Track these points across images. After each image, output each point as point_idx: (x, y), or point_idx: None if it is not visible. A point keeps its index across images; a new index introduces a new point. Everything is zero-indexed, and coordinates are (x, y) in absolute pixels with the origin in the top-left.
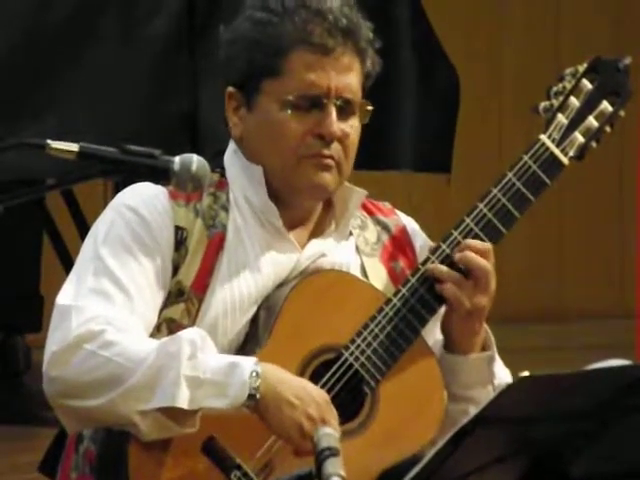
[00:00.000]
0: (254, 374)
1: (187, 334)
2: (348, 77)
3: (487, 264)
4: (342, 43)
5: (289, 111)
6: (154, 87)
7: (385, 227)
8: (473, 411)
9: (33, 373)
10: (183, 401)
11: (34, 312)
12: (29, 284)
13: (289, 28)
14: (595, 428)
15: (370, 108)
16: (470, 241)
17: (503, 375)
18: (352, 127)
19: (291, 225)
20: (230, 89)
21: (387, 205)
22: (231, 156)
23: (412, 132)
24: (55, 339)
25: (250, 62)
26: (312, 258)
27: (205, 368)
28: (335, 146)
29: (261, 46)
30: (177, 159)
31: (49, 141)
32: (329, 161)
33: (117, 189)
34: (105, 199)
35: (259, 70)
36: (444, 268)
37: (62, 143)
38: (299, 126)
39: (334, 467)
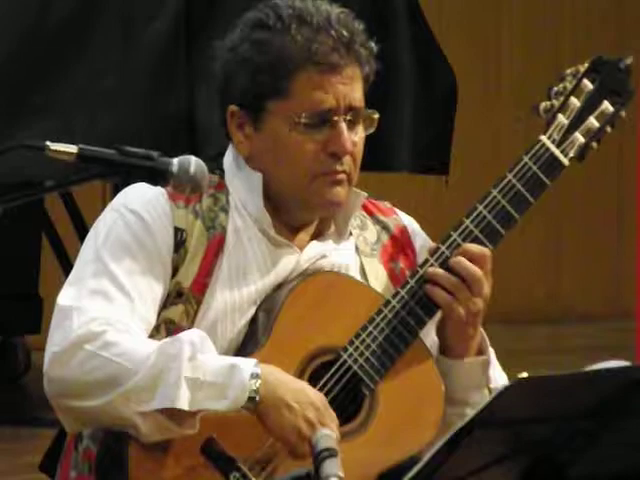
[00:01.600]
0: (254, 376)
1: (187, 335)
2: (354, 88)
3: (478, 270)
4: (345, 55)
5: (301, 130)
6: (152, 88)
7: (385, 227)
8: (468, 413)
9: (33, 374)
10: (183, 402)
11: (33, 313)
12: (28, 286)
13: (293, 48)
14: (593, 429)
15: (376, 117)
16: (467, 246)
17: (500, 379)
18: (359, 137)
19: (291, 228)
20: (232, 108)
21: (387, 204)
22: (231, 162)
23: (410, 133)
24: (56, 339)
25: (254, 84)
26: (312, 260)
27: (205, 370)
28: (347, 160)
29: (265, 69)
30: (175, 161)
31: (48, 143)
32: (342, 176)
33: (116, 191)
34: (104, 201)
35: (265, 92)
36: (441, 272)
37: (61, 145)
38: (312, 146)
39: (332, 468)
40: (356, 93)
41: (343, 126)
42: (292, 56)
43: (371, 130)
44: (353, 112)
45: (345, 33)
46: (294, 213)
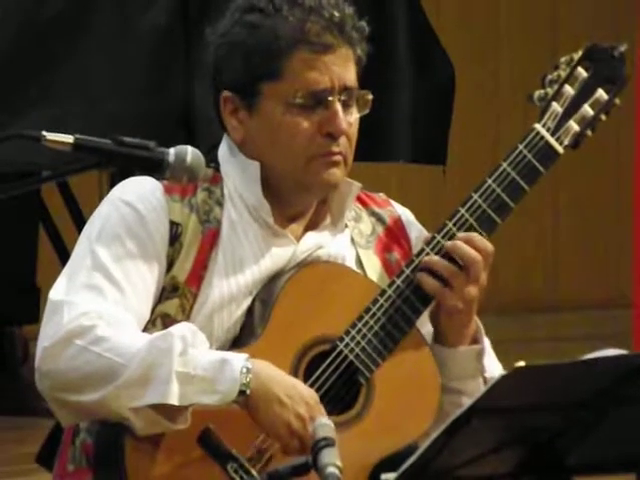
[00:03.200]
0: (245, 370)
1: (178, 330)
2: (347, 69)
3: (477, 255)
4: (338, 36)
5: (296, 112)
6: (149, 80)
7: (380, 218)
8: (464, 402)
9: (30, 364)
10: (174, 397)
11: (31, 304)
12: (26, 276)
13: (285, 29)
14: (591, 418)
15: (370, 97)
16: (470, 234)
17: (495, 369)
18: (354, 118)
19: (287, 219)
20: (226, 93)
21: (382, 196)
22: (226, 152)
23: (407, 124)
24: (47, 334)
25: (248, 67)
26: (308, 251)
27: (196, 364)
28: (342, 141)
29: (258, 51)
30: (172, 150)
31: (44, 132)
32: (338, 157)
33: (112, 181)
34: (100, 191)
35: (258, 74)
36: (436, 259)
37: (57, 135)
38: (307, 127)
39: (330, 457)
40: (350, 74)
41: (338, 106)
42: (285, 37)
43: (365, 111)
44: (347, 92)
45: (337, 14)
46: (291, 198)
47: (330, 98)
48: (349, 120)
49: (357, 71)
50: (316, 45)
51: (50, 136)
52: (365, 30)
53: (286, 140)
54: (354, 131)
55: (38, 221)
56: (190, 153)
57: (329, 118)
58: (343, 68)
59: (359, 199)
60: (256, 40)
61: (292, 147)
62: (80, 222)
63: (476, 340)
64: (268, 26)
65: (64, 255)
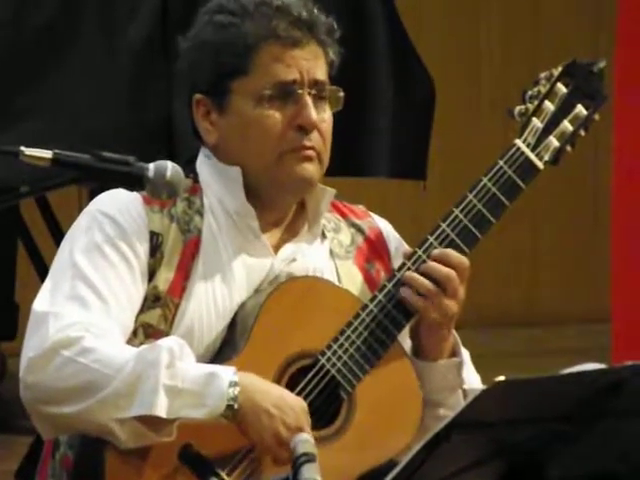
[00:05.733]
0: (232, 384)
1: (165, 342)
2: (317, 65)
3: (451, 272)
4: (307, 34)
5: (266, 105)
6: (131, 92)
7: (359, 229)
8: (443, 414)
9: (8, 381)
10: (161, 410)
11: (9, 320)
12: (3, 292)
13: (253, 25)
14: (571, 431)
15: (341, 94)
16: (445, 251)
17: (474, 380)
18: (327, 114)
19: (265, 227)
20: (198, 96)
21: (361, 207)
22: (203, 161)
23: (387, 138)
24: (32, 345)
25: (217, 65)
26: (286, 261)
27: (184, 377)
28: (315, 136)
29: (227, 47)
30: (151, 166)
31: (22, 148)
32: (311, 152)
33: (92, 196)
34: (80, 206)
35: (227, 72)
36: (416, 277)
37: (36, 150)
38: (278, 121)
39: (310, 473)
40: (319, 69)
41: (307, 99)
42: (252, 33)
43: (338, 107)
44: (318, 87)
45: (304, 13)
46: (269, 201)
47: (300, 91)
48: (321, 116)
49: (329, 72)
50: (284, 39)
51: (28, 151)
52: (335, 32)
53: (258, 136)
54: (328, 128)
55: (17, 237)
56: (170, 169)
57: (299, 111)
58: (312, 63)
59: (338, 210)
60: (224, 38)
61: (264, 143)
62: (59, 238)
63: (454, 353)
64: (236, 24)
65: (43, 271)
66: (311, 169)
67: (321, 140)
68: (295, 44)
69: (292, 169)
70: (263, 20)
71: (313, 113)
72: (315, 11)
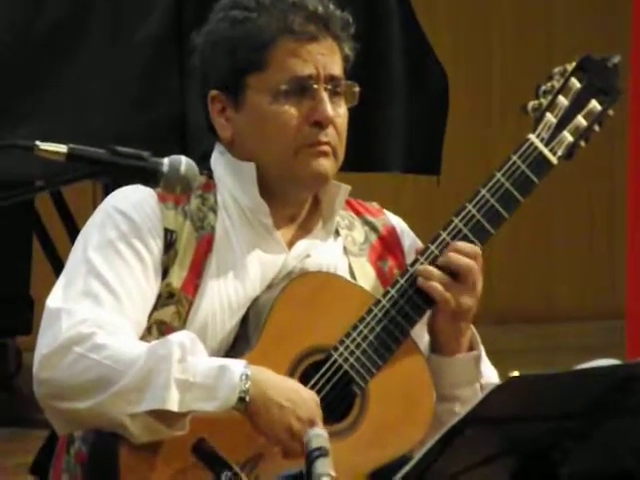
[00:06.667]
0: (244, 377)
1: (177, 337)
2: (333, 60)
3: (473, 263)
4: (323, 29)
5: (282, 100)
6: (143, 89)
7: (373, 227)
8: (459, 410)
9: (24, 375)
10: (173, 404)
11: (24, 314)
12: (19, 286)
13: (269, 21)
14: (584, 428)
15: (357, 89)
16: (458, 243)
17: (490, 374)
18: (343, 110)
19: (279, 224)
20: (213, 92)
21: (375, 205)
22: (218, 157)
23: (401, 133)
24: (45, 342)
25: (233, 61)
26: (299, 258)
27: (195, 371)
28: (330, 131)
29: (242, 43)
30: (166, 161)
31: (38, 142)
32: (326, 147)
33: (106, 191)
34: (94, 201)
35: (243, 67)
36: (432, 269)
37: (51, 144)
38: (294, 116)
39: (324, 467)
40: (335, 64)
41: (324, 94)
42: (268, 27)
43: (353, 103)
44: (333, 82)
45: (320, 8)
46: (284, 196)
47: (315, 86)
48: (337, 111)
49: (344, 67)
50: (300, 34)
51: (43, 146)
52: (351, 27)
53: (274, 131)
54: (343, 123)
55: (32, 232)
56: (184, 163)
57: (315, 106)
58: (328, 58)
59: (352, 208)
60: (240, 34)
61: (280, 138)
62: (74, 233)
63: (472, 347)
64: (251, 19)
65: (58, 266)
66: (327, 164)
67: (337, 135)
68: (311, 39)
69: (308, 164)
70: (279, 15)
71: (329, 108)
72: (331, 6)
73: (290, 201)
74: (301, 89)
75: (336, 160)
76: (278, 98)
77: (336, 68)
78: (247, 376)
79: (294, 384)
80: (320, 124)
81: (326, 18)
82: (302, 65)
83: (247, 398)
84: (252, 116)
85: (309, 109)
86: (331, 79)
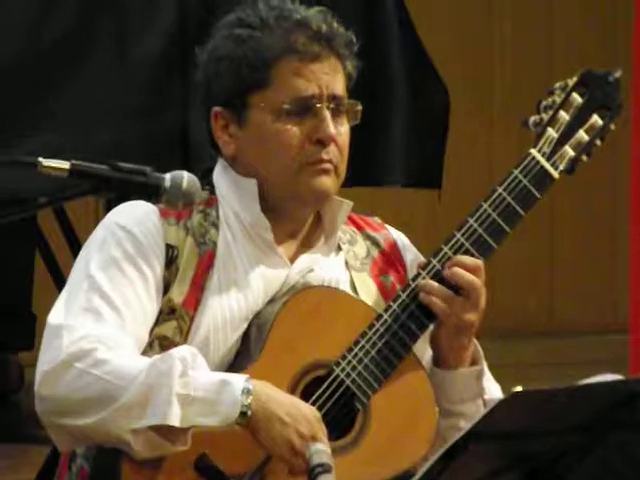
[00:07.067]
0: (245, 391)
1: (178, 352)
2: (336, 79)
3: (476, 280)
4: (326, 47)
5: (285, 119)
6: (146, 105)
7: (375, 242)
8: (463, 425)
9: (26, 391)
10: (175, 419)
11: (26, 330)
12: (21, 302)
13: (273, 40)
14: (588, 443)
15: (360, 108)
16: (460, 257)
17: (494, 389)
18: (345, 129)
19: (281, 239)
20: (216, 109)
21: (377, 220)
22: (220, 173)
23: (402, 148)
24: (46, 358)
25: (236, 78)
26: (301, 273)
27: (196, 386)
28: (332, 149)
29: (246, 61)
30: (168, 176)
31: (40, 159)
32: (328, 165)
33: (108, 206)
34: (97, 216)
35: (247, 85)
36: (434, 284)
37: (53, 161)
38: (297, 135)
39: None
40: (338, 83)
41: (326, 113)
42: (272, 46)
43: (356, 122)
44: (336, 101)
45: (324, 27)
46: (286, 212)
47: (318, 105)
48: (339, 130)
49: (347, 85)
50: (303, 54)
51: (46, 162)
52: (354, 46)
53: (276, 149)
54: (345, 141)
55: (34, 247)
56: (186, 178)
57: (318, 125)
58: (331, 77)
59: (354, 223)
60: (244, 52)
61: (282, 156)
62: (76, 248)
63: (475, 362)
64: (256, 38)
65: (60, 282)
66: (328, 182)
67: (338, 153)
68: (314, 58)
69: (309, 182)
70: (283, 34)
71: (331, 127)
72: (335, 24)
73: (291, 217)
74: (304, 108)
75: (338, 177)
76: (281, 117)
77: (339, 87)
78: (249, 390)
79: (296, 400)
80: (322, 142)
81: (330, 37)
82: (305, 85)
83: (249, 413)
84: (255, 134)
85: (311, 127)
86: (334, 98)
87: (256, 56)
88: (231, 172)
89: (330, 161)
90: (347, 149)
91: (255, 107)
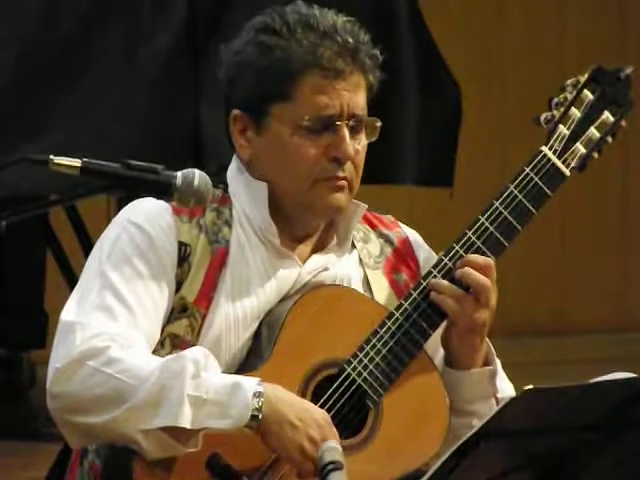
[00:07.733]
0: (257, 394)
1: (191, 353)
2: (358, 96)
3: (487, 280)
4: (351, 63)
5: (303, 134)
6: (157, 103)
7: (388, 240)
8: (476, 424)
9: (38, 389)
10: (186, 420)
11: (38, 328)
12: (33, 300)
13: (298, 52)
14: (600, 441)
15: (379, 124)
16: (471, 256)
17: (507, 389)
18: (362, 145)
19: (294, 240)
20: (236, 112)
21: (390, 218)
22: (234, 173)
23: (414, 146)
24: (59, 355)
25: (259, 87)
26: (314, 272)
27: (208, 388)
28: (348, 166)
29: (270, 72)
30: (179, 174)
31: (52, 157)
32: (343, 182)
33: (120, 204)
34: (108, 214)
35: (268, 94)
36: (445, 283)
37: (65, 158)
38: (314, 150)
39: None
40: (359, 100)
41: (345, 132)
42: (297, 59)
43: (373, 138)
44: (356, 119)
45: (351, 40)
46: (296, 219)
47: (338, 123)
48: (356, 146)
49: (367, 97)
50: (328, 70)
51: (58, 160)
52: (378, 58)
53: (292, 162)
54: (361, 157)
55: (46, 245)
56: (197, 177)
57: (336, 143)
58: (353, 94)
59: (367, 221)
60: (269, 61)
61: (298, 169)
62: (88, 246)
63: (487, 362)
64: (281, 48)
65: (72, 280)
66: (342, 198)
67: (354, 170)
68: (337, 75)
69: (323, 197)
70: (308, 47)
71: (350, 147)
72: (361, 35)
73: (304, 224)
74: (324, 126)
75: (351, 192)
76: (299, 131)
77: (360, 104)
78: (260, 394)
79: (306, 403)
80: (339, 160)
81: (355, 50)
82: (327, 103)
83: (260, 416)
84: (272, 143)
85: (329, 143)
86: (354, 116)
87: (280, 68)
88: (245, 174)
89: (345, 178)
90: (362, 164)
91: (274, 117)
